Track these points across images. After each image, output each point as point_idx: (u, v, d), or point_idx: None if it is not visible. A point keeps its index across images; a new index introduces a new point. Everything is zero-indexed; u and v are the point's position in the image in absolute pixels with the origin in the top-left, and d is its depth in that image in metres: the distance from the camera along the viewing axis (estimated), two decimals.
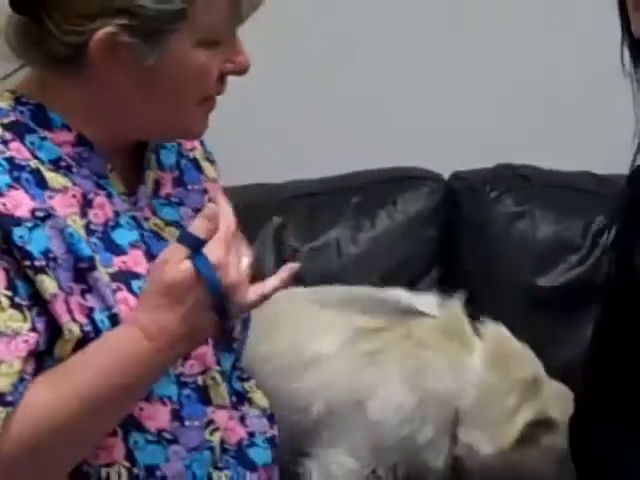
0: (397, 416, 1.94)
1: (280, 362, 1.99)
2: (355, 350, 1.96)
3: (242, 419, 1.70)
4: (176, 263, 1.47)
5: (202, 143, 1.80)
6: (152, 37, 1.51)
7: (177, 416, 1.60)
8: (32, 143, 1.57)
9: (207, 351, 1.64)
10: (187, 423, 1.61)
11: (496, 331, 1.99)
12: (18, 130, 1.56)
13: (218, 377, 1.65)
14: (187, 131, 1.67)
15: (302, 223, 2.43)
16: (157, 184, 1.71)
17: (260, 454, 1.70)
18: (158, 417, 1.59)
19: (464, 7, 2.68)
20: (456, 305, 2.00)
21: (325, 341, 1.97)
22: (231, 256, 1.49)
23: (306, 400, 1.98)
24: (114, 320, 1.56)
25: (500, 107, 2.61)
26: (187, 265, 1.47)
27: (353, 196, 2.45)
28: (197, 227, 1.51)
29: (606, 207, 2.32)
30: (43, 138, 1.58)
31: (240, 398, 1.72)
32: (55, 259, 1.52)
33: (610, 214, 2.32)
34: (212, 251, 1.49)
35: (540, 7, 2.66)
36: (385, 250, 2.41)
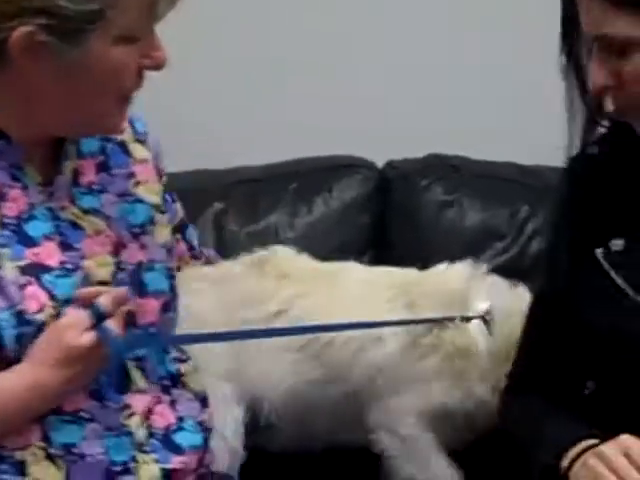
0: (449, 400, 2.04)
1: (348, 335, 2.04)
2: (412, 339, 2.03)
3: (172, 403, 1.73)
4: (79, 331, 1.53)
5: (132, 124, 1.81)
6: (71, 36, 1.52)
7: (96, 396, 1.64)
8: None
9: None
10: (106, 403, 1.64)
11: (502, 325, 2.05)
12: None
13: (134, 363, 1.68)
14: (105, 127, 1.69)
15: (242, 208, 2.47)
16: (77, 173, 1.71)
17: (188, 438, 1.72)
18: (76, 398, 1.62)
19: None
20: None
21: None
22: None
23: (369, 372, 2.04)
24: (19, 317, 1.57)
25: (431, 99, 2.65)
26: (90, 336, 1.54)
27: (291, 183, 2.50)
28: (106, 303, 1.57)
29: (530, 197, 2.43)
30: None
31: (173, 381, 1.74)
32: None
33: (534, 204, 2.43)
34: (113, 325, 1.56)
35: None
36: (321, 235, 2.46)
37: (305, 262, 2.16)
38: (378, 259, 2.45)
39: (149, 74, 1.66)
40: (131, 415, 1.65)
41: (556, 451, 1.68)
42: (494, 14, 2.63)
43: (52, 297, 1.61)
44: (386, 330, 2.03)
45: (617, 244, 1.75)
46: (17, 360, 1.60)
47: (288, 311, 2.08)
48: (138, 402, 1.68)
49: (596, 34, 1.60)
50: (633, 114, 1.67)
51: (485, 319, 2.09)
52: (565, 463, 1.64)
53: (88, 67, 1.55)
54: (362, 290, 2.13)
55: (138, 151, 1.79)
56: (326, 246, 2.42)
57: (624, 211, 1.75)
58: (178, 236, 1.97)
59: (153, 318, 1.71)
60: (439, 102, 2.67)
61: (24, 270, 1.60)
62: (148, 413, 1.69)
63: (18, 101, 1.59)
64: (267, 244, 2.37)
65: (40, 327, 1.60)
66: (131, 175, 1.77)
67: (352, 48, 2.69)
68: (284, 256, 2.15)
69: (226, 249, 2.39)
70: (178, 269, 1.94)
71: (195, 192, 2.29)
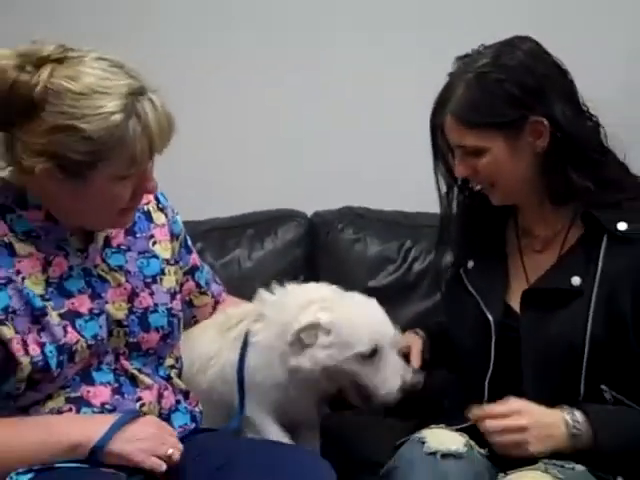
0: None
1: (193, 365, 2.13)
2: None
3: (173, 391, 2.00)
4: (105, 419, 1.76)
5: (157, 197, 2.01)
6: (74, 173, 1.74)
7: (118, 392, 1.88)
8: (11, 220, 1.81)
9: (123, 361, 1.91)
10: (125, 396, 1.89)
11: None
12: (1, 210, 1.81)
13: (136, 372, 1.92)
14: (114, 228, 1.91)
15: (215, 247, 2.82)
16: (109, 238, 1.91)
17: (179, 417, 1.99)
18: (101, 395, 1.86)
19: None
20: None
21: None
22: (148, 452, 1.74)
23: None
24: (60, 349, 1.78)
25: (342, 172, 2.99)
26: (109, 419, 1.77)
27: (249, 228, 2.86)
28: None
29: (412, 234, 2.82)
30: (20, 216, 1.81)
31: (166, 380, 1.99)
32: (14, 312, 1.75)
33: (414, 238, 2.80)
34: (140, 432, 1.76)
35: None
36: (270, 264, 2.81)
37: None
38: (308, 280, 2.54)
39: None
40: (142, 405, 1.90)
41: None
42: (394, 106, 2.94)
43: (82, 336, 1.83)
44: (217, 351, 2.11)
45: (470, 264, 2.13)
46: (57, 378, 1.81)
47: None
48: (146, 396, 1.92)
49: (457, 144, 1.98)
50: (488, 190, 2.05)
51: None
52: None
53: (90, 195, 1.77)
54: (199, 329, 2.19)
55: (159, 218, 2.01)
56: (273, 271, 2.75)
57: (475, 240, 2.13)
58: (188, 277, 2.16)
59: (154, 346, 1.95)
60: (349, 173, 2.99)
61: (63, 316, 1.80)
62: (159, 397, 1.95)
63: (52, 203, 1.81)
64: (233, 271, 2.75)
65: (73, 355, 1.82)
66: (151, 237, 1.98)
67: (295, 133, 2.99)
68: None
69: None
70: (190, 302, 2.18)
71: None
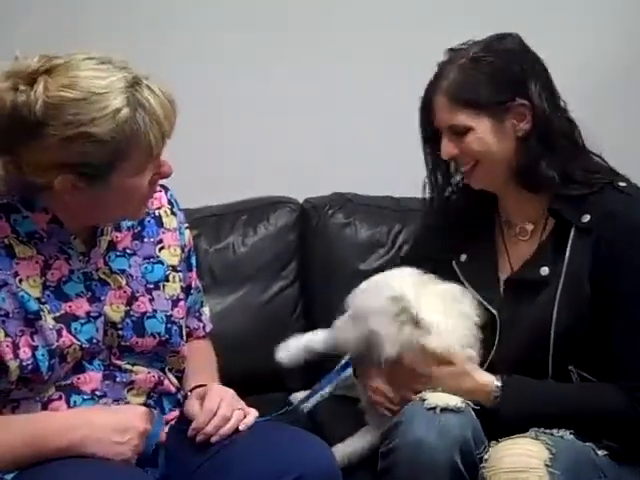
0: None
1: None
2: None
3: (170, 382, 1.99)
4: (141, 417, 1.72)
5: (170, 201, 1.99)
6: (94, 180, 1.73)
7: (108, 378, 1.86)
8: (15, 220, 1.77)
9: (114, 360, 1.86)
10: (117, 380, 1.88)
11: None
12: (7, 210, 1.78)
13: (129, 366, 1.90)
14: (130, 219, 1.90)
15: (210, 233, 2.84)
16: (114, 242, 1.88)
17: (171, 399, 1.99)
18: (92, 382, 1.85)
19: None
20: None
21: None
22: None
23: None
24: (51, 353, 1.75)
25: (333, 160, 3.04)
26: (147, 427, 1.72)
27: (243, 215, 2.88)
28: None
29: (400, 218, 2.84)
30: (25, 217, 1.78)
31: (161, 371, 1.97)
32: (7, 314, 1.72)
33: (403, 223, 2.83)
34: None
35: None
36: (263, 249, 2.84)
37: None
38: (301, 264, 2.84)
39: None
40: (131, 389, 1.89)
41: None
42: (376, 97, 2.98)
43: (77, 339, 1.81)
44: None
45: (463, 257, 2.18)
46: (49, 380, 1.78)
47: None
48: (140, 378, 1.92)
49: (447, 124, 2.05)
50: (470, 172, 2.08)
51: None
52: None
53: (112, 194, 1.76)
54: None
55: (171, 222, 1.98)
56: (267, 257, 2.82)
57: (466, 235, 2.18)
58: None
59: (150, 349, 1.92)
60: (338, 160, 3.04)
61: (58, 319, 1.78)
62: (158, 383, 1.95)
63: (65, 209, 1.80)
64: (228, 256, 2.78)
65: (65, 357, 1.79)
66: (159, 242, 1.95)
67: (287, 124, 3.02)
68: None
69: (200, 261, 2.59)
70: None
71: None
